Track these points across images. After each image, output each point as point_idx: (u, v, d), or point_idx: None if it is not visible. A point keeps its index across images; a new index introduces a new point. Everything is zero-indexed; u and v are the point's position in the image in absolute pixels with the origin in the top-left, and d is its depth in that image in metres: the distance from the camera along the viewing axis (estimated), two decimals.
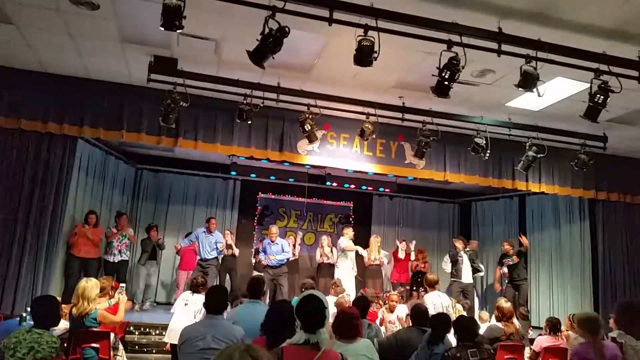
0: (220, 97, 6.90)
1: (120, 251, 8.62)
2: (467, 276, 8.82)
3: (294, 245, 9.80)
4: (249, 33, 4.30)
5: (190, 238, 9.14)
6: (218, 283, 9.09)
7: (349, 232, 9.49)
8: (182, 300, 5.98)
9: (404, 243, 10.18)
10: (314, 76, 6.41)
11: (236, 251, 9.52)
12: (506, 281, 9.44)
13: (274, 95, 6.54)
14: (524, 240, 9.47)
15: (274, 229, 9.16)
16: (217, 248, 8.90)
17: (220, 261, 9.44)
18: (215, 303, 3.83)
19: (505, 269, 9.40)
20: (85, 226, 8.06)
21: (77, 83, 6.93)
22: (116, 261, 8.54)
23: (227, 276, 9.50)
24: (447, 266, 9.23)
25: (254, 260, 9.99)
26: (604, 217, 9.06)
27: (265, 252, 8.93)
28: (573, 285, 9.71)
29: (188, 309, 5.77)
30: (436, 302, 6.30)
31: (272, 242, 8.92)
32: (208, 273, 8.61)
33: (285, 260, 8.89)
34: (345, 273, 8.91)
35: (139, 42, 5.80)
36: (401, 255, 10.05)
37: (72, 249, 7.98)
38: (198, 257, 8.94)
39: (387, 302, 6.98)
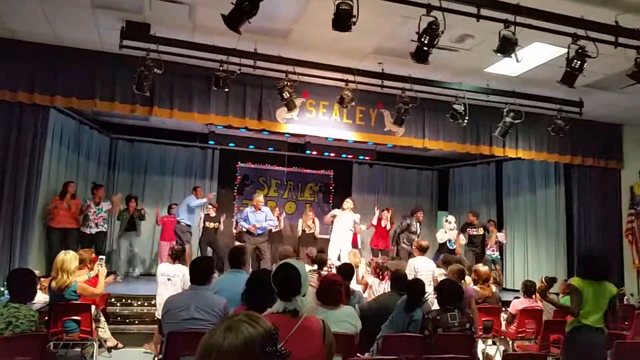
0: (195, 63, 6.75)
1: (97, 224, 8.52)
2: None
3: (278, 217, 9.86)
4: None
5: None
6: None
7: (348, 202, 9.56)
8: (163, 276, 5.78)
9: (385, 211, 10.25)
10: (291, 42, 6.29)
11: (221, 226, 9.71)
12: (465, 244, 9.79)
13: (251, 62, 6.42)
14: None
15: (260, 197, 9.23)
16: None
17: (201, 233, 9.50)
18: (199, 274, 3.84)
19: (462, 237, 9.73)
20: (65, 198, 7.96)
21: (48, 50, 6.69)
22: (93, 233, 8.44)
23: (209, 249, 9.56)
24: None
25: (235, 231, 9.99)
26: (579, 182, 9.23)
27: (246, 220, 8.96)
28: (548, 249, 9.97)
29: (174, 284, 5.62)
30: (421, 266, 6.37)
31: (256, 210, 8.97)
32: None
33: (267, 228, 9.01)
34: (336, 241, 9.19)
35: (110, 6, 5.59)
36: (383, 223, 10.12)
37: (51, 221, 7.91)
38: (185, 224, 9.24)
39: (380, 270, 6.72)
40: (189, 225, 9.51)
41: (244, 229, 8.99)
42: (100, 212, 8.59)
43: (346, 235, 9.22)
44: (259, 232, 8.90)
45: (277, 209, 10.34)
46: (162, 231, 9.58)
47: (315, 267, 6.10)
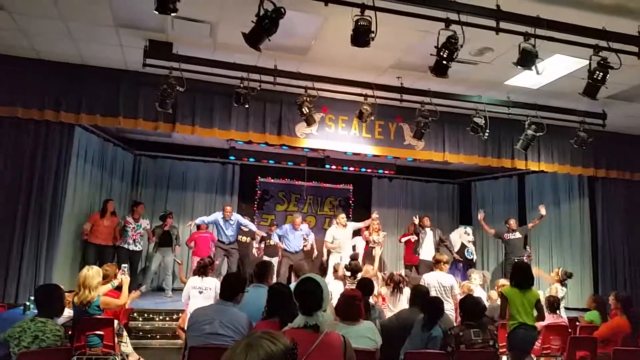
0: (216, 80, 6.84)
1: (134, 240, 8.66)
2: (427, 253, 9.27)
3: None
4: (244, 15, 4.24)
5: (202, 220, 9.19)
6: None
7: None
8: (194, 289, 5.76)
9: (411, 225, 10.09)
10: (311, 58, 6.35)
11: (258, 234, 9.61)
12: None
13: (271, 78, 6.49)
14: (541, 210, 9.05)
15: (299, 219, 9.49)
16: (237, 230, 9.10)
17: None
18: (228, 290, 3.85)
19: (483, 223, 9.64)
20: (105, 215, 8.28)
21: (73, 69, 6.87)
22: (130, 249, 8.58)
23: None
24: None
25: (256, 245, 9.96)
26: (603, 195, 9.07)
27: (282, 237, 9.30)
28: (573, 263, 9.72)
29: (206, 297, 5.59)
30: (432, 282, 6.22)
31: (295, 229, 9.24)
32: (232, 254, 8.93)
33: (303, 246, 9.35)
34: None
35: (133, 26, 5.73)
36: (413, 238, 9.92)
37: (88, 237, 8.14)
38: (218, 239, 9.15)
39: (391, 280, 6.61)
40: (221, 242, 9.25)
41: (275, 242, 9.30)
42: (139, 228, 8.74)
43: (348, 246, 9.21)
44: (297, 249, 9.18)
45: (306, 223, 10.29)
46: (195, 246, 9.52)
47: (349, 274, 6.17)
